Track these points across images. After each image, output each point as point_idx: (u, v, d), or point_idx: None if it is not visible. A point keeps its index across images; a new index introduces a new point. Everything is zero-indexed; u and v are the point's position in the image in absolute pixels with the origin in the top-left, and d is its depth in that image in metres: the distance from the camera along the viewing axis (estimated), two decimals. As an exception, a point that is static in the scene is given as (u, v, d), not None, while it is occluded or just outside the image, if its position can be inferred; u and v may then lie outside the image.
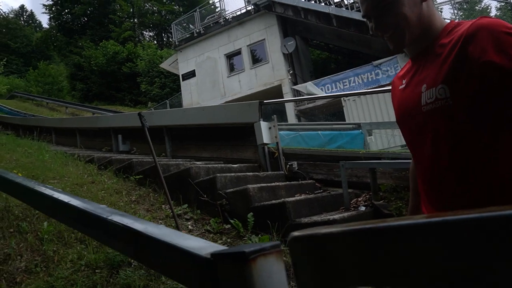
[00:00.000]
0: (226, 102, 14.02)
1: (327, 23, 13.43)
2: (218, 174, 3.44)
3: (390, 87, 1.25)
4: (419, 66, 1.01)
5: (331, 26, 13.41)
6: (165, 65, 19.28)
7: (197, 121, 5.14)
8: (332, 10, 13.02)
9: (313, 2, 13.70)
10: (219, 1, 16.29)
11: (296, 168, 3.89)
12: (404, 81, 1.07)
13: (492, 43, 0.83)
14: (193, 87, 16.47)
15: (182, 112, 5.93)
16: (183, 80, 16.81)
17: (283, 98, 13.53)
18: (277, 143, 4.15)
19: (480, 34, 0.85)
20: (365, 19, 1.07)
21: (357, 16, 12.53)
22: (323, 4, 13.54)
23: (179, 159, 5.10)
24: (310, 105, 14.01)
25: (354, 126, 7.20)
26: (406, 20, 0.97)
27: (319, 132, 7.48)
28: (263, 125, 4.18)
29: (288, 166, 3.95)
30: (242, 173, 3.72)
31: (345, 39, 15.23)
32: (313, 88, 13.91)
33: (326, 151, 4.32)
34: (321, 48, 19.09)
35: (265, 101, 4.32)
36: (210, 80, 15.98)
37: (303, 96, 13.85)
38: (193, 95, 16.42)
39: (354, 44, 15.19)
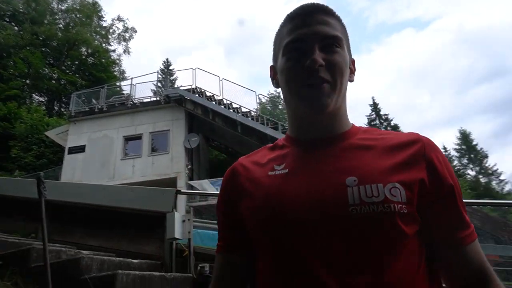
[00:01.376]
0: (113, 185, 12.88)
1: (232, 128, 14.17)
2: (120, 271, 2.80)
3: None
4: (320, 153, 0.77)
5: (236, 132, 14.16)
6: (51, 134, 17.35)
7: (93, 200, 4.40)
8: (239, 117, 13.92)
9: (222, 106, 14.52)
10: (130, 85, 16.07)
11: (208, 271, 3.44)
12: (280, 166, 0.79)
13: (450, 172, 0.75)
14: (79, 163, 14.89)
15: (75, 187, 5.08)
16: (68, 154, 15.15)
17: (177, 191, 13.05)
18: (189, 239, 3.71)
19: (441, 155, 0.76)
20: (293, 43, 0.78)
21: (261, 128, 13.62)
22: (231, 110, 14.45)
23: (58, 244, 4.13)
24: (203, 202, 13.72)
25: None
26: (340, 78, 0.76)
27: (217, 232, 7.13)
28: (177, 216, 3.75)
29: (198, 268, 3.48)
30: (147, 273, 3.11)
31: (246, 146, 16.07)
32: (208, 187, 13.82)
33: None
34: (220, 150, 19.72)
35: (182, 191, 3.97)
36: (101, 159, 14.74)
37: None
38: (76, 172, 14.73)
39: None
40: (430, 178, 0.71)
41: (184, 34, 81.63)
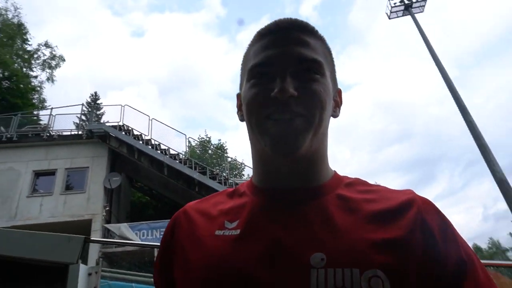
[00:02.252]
0: (13, 226, 11.35)
1: (159, 170, 13.67)
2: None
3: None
4: (284, 212, 0.60)
5: (162, 174, 13.65)
6: None
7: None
8: (166, 159, 13.52)
9: (150, 147, 14.03)
10: (49, 115, 14.86)
11: (113, 334, 3.05)
12: (232, 224, 0.61)
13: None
14: (-27, 198, 12.96)
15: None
16: (-38, 186, 13.16)
17: (90, 235, 11.88)
18: (94, 296, 3.29)
19: (448, 222, 0.58)
20: (259, 67, 0.63)
21: (188, 171, 13.33)
22: (159, 151, 14.01)
23: None
24: (119, 249, 12.66)
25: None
26: (320, 111, 0.61)
27: (132, 284, 6.54)
28: (82, 269, 3.33)
29: (102, 330, 3.07)
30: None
31: (171, 189, 15.51)
32: (127, 231, 12.85)
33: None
34: (143, 192, 18.74)
35: (92, 238, 3.59)
36: (2, 194, 13.01)
37: (113, 236, 12.56)
38: (-32, 208, 12.76)
39: (178, 195, 15.55)
40: (429, 253, 0.53)
41: (118, 68, 79.74)
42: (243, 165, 23.49)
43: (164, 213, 16.62)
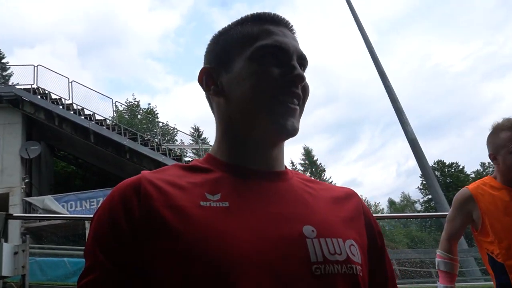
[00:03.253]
0: None
1: (84, 137, 12.72)
2: None
3: None
4: (265, 189, 0.62)
5: (88, 141, 12.73)
6: None
7: None
8: (92, 125, 12.58)
9: (72, 112, 12.88)
10: None
11: (49, 313, 2.82)
12: (214, 196, 0.58)
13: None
14: None
15: None
16: None
17: (8, 210, 10.81)
18: (23, 276, 2.99)
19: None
20: (273, 48, 0.64)
21: (117, 138, 12.60)
22: (83, 117, 12.95)
23: None
24: (44, 223, 11.77)
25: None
26: (305, 103, 0.68)
27: (64, 259, 6.21)
28: (6, 248, 2.98)
29: (36, 311, 2.82)
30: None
31: (99, 158, 14.61)
32: (52, 204, 11.96)
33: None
34: (68, 161, 17.43)
35: (15, 215, 3.21)
36: None
37: (36, 210, 11.60)
38: None
39: (108, 164, 14.74)
40: (368, 236, 0.67)
41: (26, 21, 70.03)
42: (175, 130, 22.80)
43: (93, 182, 15.72)
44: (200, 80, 0.71)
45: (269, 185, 0.63)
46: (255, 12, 0.69)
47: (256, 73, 0.63)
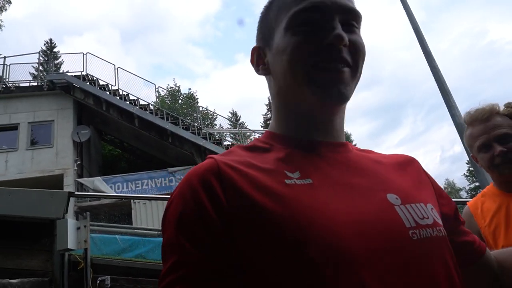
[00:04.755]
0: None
1: (129, 121, 13.23)
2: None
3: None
4: (337, 161, 0.60)
5: (132, 126, 13.25)
6: None
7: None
8: (136, 110, 13.05)
9: (118, 98, 13.42)
10: (3, 65, 13.64)
11: (109, 285, 3.06)
12: (295, 174, 0.55)
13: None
14: None
15: None
16: None
17: (63, 189, 11.61)
18: (85, 249, 3.24)
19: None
20: (305, 13, 0.59)
21: (160, 122, 13.00)
22: (128, 102, 13.46)
23: None
24: (95, 202, 12.53)
25: (159, 233, 6.64)
26: (362, 64, 0.62)
27: (116, 236, 6.56)
28: (70, 224, 3.23)
29: (98, 282, 3.06)
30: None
31: (143, 141, 15.19)
32: (101, 185, 12.70)
33: (152, 264, 3.66)
34: (114, 144, 18.27)
35: (76, 193, 3.46)
36: (-39, 152, 12.30)
37: (87, 190, 12.35)
38: None
39: (151, 147, 15.30)
40: (438, 198, 0.66)
41: (74, 10, 73.12)
42: (215, 114, 23.17)
43: (137, 165, 16.40)
44: (252, 61, 0.69)
45: (339, 156, 0.61)
46: None
47: (291, 44, 0.59)
